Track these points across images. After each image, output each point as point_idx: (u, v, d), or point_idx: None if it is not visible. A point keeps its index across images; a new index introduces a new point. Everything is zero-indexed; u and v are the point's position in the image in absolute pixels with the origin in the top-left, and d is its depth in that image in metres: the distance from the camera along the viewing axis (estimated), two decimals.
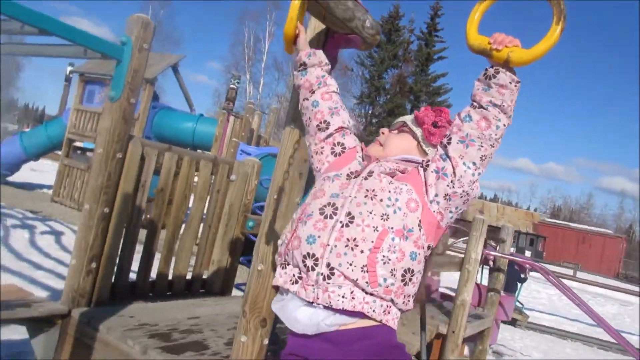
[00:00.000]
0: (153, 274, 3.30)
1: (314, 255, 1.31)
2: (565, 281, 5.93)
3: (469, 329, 4.89)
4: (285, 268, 1.43)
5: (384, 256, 1.29)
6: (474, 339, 5.41)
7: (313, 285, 1.31)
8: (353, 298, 1.29)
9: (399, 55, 34.83)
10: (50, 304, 2.67)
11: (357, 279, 1.27)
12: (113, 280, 2.98)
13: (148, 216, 3.28)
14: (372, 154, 1.69)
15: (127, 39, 2.79)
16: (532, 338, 7.46)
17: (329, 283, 1.29)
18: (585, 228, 38.30)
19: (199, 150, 10.04)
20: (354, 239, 1.29)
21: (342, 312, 1.30)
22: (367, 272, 1.27)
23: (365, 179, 1.43)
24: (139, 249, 3.14)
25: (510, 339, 6.93)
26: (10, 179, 11.70)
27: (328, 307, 1.31)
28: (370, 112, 35.65)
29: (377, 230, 1.30)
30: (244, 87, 36.40)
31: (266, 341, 2.20)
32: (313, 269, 1.31)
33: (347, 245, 1.29)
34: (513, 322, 7.41)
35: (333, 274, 1.29)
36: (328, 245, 1.30)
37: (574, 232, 35.68)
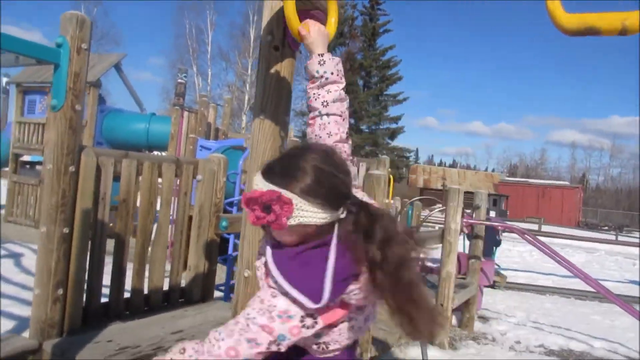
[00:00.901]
0: (126, 290, 3.07)
1: None
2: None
3: (457, 300, 4.87)
4: None
5: None
6: (460, 307, 5.40)
7: None
8: None
9: (345, 33, 34.63)
10: (19, 340, 2.43)
11: None
12: (84, 304, 2.75)
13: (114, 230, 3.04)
14: None
15: (63, 40, 2.53)
16: (513, 298, 7.56)
17: None
18: (543, 182, 39.47)
19: (155, 152, 9.67)
20: None
21: None
22: None
23: None
24: (107, 267, 2.91)
25: (492, 302, 6.99)
26: None
27: None
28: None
29: None
30: (192, 81, 35.52)
31: None
32: None
33: None
34: (492, 285, 7.48)
35: None
36: None
37: (533, 188, 36.70)
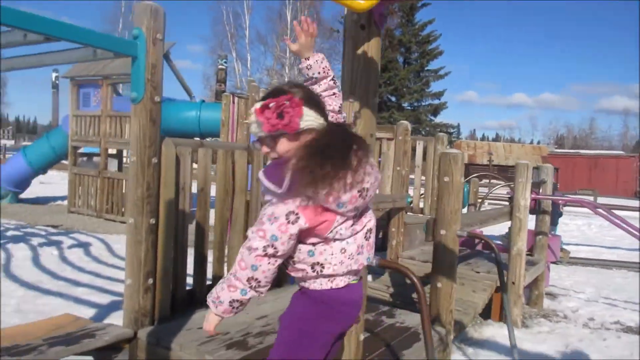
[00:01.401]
0: (207, 278, 3.12)
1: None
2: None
3: (527, 277, 4.74)
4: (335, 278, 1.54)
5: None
6: (528, 285, 5.26)
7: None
8: None
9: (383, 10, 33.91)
10: (115, 330, 2.49)
11: None
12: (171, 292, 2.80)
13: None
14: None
15: (139, 32, 2.53)
16: (579, 274, 7.31)
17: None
18: (596, 153, 37.99)
19: (208, 139, 9.78)
20: None
21: None
22: None
23: None
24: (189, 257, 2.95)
25: (558, 278, 6.79)
26: (23, 195, 11.53)
27: None
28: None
29: None
30: (232, 66, 35.71)
31: (362, 337, 2.03)
32: None
33: None
34: (555, 261, 7.25)
35: None
36: None
37: (584, 159, 35.35)
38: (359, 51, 1.88)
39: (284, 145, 1.48)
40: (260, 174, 1.51)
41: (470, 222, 3.60)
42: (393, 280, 4.33)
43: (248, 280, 1.44)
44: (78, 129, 10.21)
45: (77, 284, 5.03)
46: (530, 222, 5.10)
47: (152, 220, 2.56)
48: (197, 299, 2.99)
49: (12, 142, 50.15)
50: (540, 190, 5.31)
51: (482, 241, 5.88)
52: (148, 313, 2.58)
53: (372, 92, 1.93)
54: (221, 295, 1.49)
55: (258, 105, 1.48)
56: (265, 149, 1.53)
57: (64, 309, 4.24)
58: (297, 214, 1.41)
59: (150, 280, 2.58)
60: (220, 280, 1.54)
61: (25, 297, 4.50)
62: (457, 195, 2.95)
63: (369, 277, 4.73)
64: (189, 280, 3.02)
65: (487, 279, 4.56)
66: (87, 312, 4.15)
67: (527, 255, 5.56)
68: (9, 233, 7.28)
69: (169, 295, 2.75)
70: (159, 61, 2.59)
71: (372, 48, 1.89)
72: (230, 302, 1.49)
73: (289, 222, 1.41)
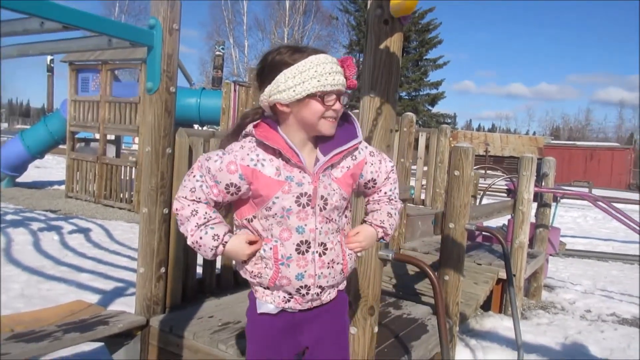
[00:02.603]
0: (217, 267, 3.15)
1: (306, 286, 1.49)
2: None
3: (528, 270, 4.80)
4: (271, 291, 1.52)
5: (349, 254, 1.56)
6: (527, 277, 5.33)
7: (309, 302, 1.54)
8: (336, 290, 1.62)
9: None
10: (128, 317, 2.52)
11: (339, 282, 1.59)
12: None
13: None
14: (326, 133, 1.47)
15: (155, 21, 2.53)
16: (575, 265, 7.41)
17: (320, 295, 1.54)
18: (591, 144, 38.16)
19: (213, 127, 9.76)
20: (331, 260, 1.51)
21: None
22: (343, 272, 1.56)
23: (323, 208, 1.48)
24: None
25: (555, 270, 6.88)
26: (19, 180, 11.49)
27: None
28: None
29: (340, 243, 1.53)
30: (229, 52, 35.46)
31: (376, 329, 2.07)
32: (307, 294, 1.50)
33: (329, 267, 1.51)
34: (554, 253, 7.33)
35: (323, 290, 1.54)
36: (315, 274, 1.49)
37: (580, 150, 35.53)
38: (381, 46, 1.88)
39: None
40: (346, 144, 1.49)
41: (476, 215, 3.63)
42: (395, 272, 4.37)
43: None
44: (76, 114, 10.16)
45: (80, 269, 5.05)
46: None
47: (165, 210, 2.57)
48: (206, 287, 3.02)
49: (6, 124, 49.71)
50: (542, 183, 5.36)
51: (483, 233, 5.94)
52: (160, 301, 2.61)
53: (393, 88, 1.94)
54: None
55: (347, 58, 1.47)
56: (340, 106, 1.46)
57: (68, 294, 4.26)
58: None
59: (163, 269, 2.60)
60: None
61: (29, 282, 4.52)
62: (467, 189, 2.98)
63: None
64: (199, 270, 3.04)
65: (488, 271, 4.61)
66: (92, 298, 4.17)
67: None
68: (8, 217, 7.27)
69: (180, 284, 2.77)
70: (175, 51, 2.58)
71: (394, 43, 1.90)
72: None
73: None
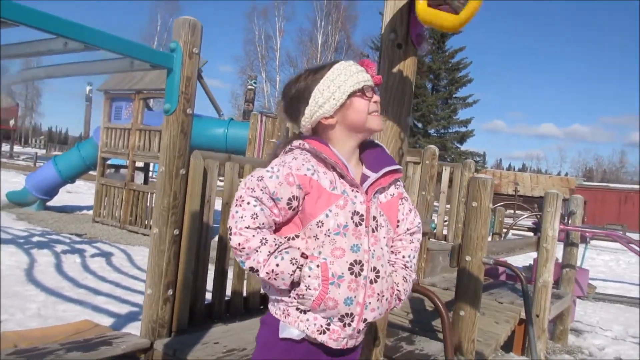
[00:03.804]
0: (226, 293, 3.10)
1: (351, 314, 1.35)
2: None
3: (552, 311, 4.60)
4: (307, 315, 1.37)
5: (397, 293, 1.47)
6: (553, 319, 5.11)
7: (345, 338, 1.38)
8: (363, 335, 1.47)
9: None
10: (132, 339, 2.49)
11: (373, 323, 1.55)
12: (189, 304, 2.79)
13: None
14: (376, 128, 1.48)
15: (176, 45, 2.58)
16: (605, 310, 7.09)
17: (360, 333, 1.41)
18: (626, 187, 37.07)
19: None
20: (381, 292, 1.39)
21: None
22: (385, 311, 1.45)
23: (375, 230, 1.41)
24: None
25: (584, 314, 6.59)
26: (50, 203, 11.75)
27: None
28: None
29: (391, 276, 1.45)
30: (261, 87, 36.21)
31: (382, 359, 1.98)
32: (350, 325, 1.36)
33: (378, 300, 1.38)
34: (581, 295, 7.04)
35: (366, 324, 1.40)
36: (363, 303, 1.36)
37: (614, 193, 34.52)
38: (394, 70, 1.87)
39: None
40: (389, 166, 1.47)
41: (496, 250, 3.51)
42: (413, 306, 4.24)
43: None
44: (108, 140, 10.43)
45: (97, 292, 5.07)
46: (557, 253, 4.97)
47: (176, 231, 2.56)
48: (215, 312, 2.97)
49: (44, 151, 51.40)
50: (570, 222, 5.19)
51: (506, 271, 5.75)
52: (166, 324, 2.57)
53: (405, 112, 1.91)
54: None
55: (363, 60, 1.52)
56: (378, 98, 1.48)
57: (83, 316, 4.26)
58: None
59: (170, 291, 2.57)
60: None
61: (45, 303, 4.54)
62: (485, 221, 2.89)
63: None
64: (208, 295, 3.00)
65: (510, 310, 4.44)
66: (106, 321, 4.16)
67: (553, 287, 5.41)
68: (35, 239, 7.40)
69: (188, 308, 2.73)
70: (193, 74, 2.62)
71: (407, 67, 1.88)
72: None
73: None
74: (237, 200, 1.34)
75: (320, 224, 1.33)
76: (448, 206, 6.44)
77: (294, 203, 1.34)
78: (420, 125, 33.29)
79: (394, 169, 1.46)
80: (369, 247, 1.37)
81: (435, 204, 6.08)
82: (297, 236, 1.37)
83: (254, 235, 1.29)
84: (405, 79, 1.88)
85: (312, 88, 1.42)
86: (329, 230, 1.32)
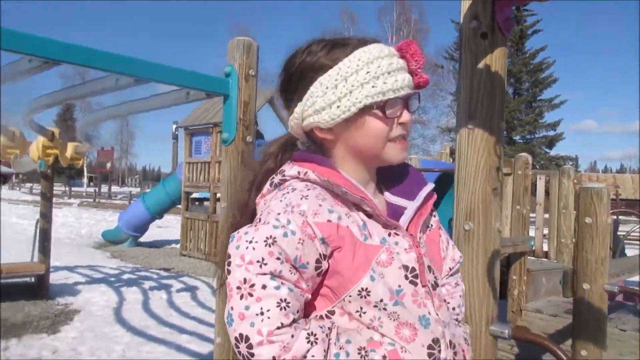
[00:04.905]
0: None
1: None
2: None
3: None
4: None
5: None
6: None
7: None
8: None
9: None
10: None
11: None
12: None
13: None
14: (394, 160, 1.01)
15: (231, 69, 2.38)
16: None
17: None
18: None
19: None
20: None
21: None
22: None
23: (435, 286, 0.99)
24: None
25: None
26: (142, 239, 12.21)
27: None
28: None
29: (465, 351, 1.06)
30: None
31: None
32: None
33: None
34: None
35: None
36: None
37: None
38: (480, 65, 1.52)
39: None
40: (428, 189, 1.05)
41: (615, 271, 2.98)
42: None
43: None
44: (190, 175, 10.68)
45: (181, 330, 4.99)
46: None
47: None
48: None
49: (138, 189, 54.76)
50: None
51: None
52: None
53: (498, 116, 1.55)
54: None
55: (409, 42, 1.01)
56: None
57: (166, 357, 4.18)
58: None
59: None
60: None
61: (131, 344, 4.51)
62: (603, 241, 2.40)
63: None
64: None
65: (635, 338, 3.80)
66: None
67: None
68: (125, 276, 7.58)
69: None
70: (251, 98, 2.41)
71: (496, 61, 1.53)
72: None
73: None
74: (240, 287, 0.84)
75: (365, 293, 0.89)
76: (546, 215, 5.83)
77: (323, 264, 0.89)
78: (504, 132, 31.91)
79: (431, 190, 1.05)
80: (438, 315, 0.95)
81: (531, 215, 5.50)
82: (332, 312, 0.92)
83: (292, 336, 0.83)
84: (494, 76, 1.53)
85: (315, 77, 0.96)
86: (381, 301, 0.89)
